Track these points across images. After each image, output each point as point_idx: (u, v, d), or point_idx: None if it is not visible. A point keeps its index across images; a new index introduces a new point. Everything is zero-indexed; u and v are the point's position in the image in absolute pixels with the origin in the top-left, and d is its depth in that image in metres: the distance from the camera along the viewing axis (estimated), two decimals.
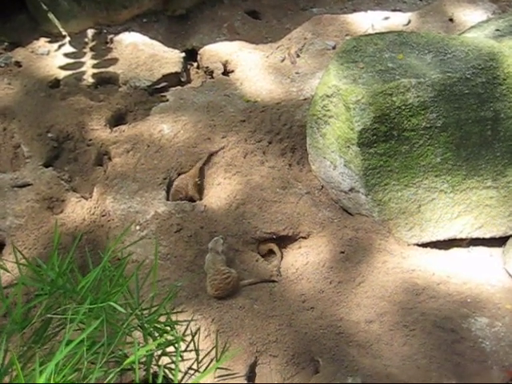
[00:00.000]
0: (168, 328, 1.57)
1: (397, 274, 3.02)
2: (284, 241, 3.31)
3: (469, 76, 3.05)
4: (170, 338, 1.54)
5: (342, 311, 2.93)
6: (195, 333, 1.69)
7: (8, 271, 1.94)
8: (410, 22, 4.39)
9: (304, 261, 3.20)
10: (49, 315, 1.37)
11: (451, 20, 4.46)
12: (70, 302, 1.49)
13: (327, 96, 3.09)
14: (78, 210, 3.38)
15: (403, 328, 2.82)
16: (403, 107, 2.97)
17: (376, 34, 3.40)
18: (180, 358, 1.48)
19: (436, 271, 3.07)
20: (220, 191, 3.41)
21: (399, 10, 4.54)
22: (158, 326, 1.53)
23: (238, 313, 2.92)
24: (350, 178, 3.19)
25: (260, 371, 2.80)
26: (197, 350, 1.66)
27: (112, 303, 1.41)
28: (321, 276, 3.10)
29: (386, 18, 4.41)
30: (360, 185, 3.15)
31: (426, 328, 2.81)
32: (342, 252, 3.17)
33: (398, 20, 4.43)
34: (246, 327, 2.86)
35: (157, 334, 1.54)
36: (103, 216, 3.35)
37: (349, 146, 3.08)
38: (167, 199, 3.40)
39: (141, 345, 1.50)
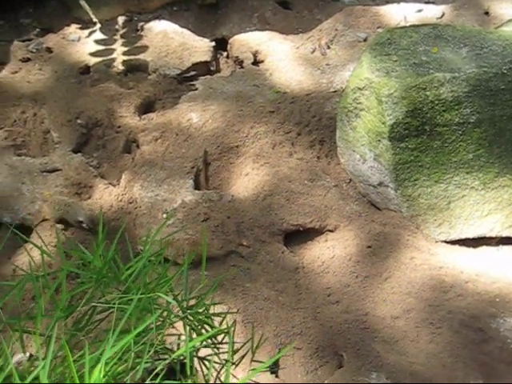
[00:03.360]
0: (209, 320, 1.56)
1: (424, 270, 2.99)
2: (310, 233, 3.30)
3: (505, 71, 2.98)
4: (210, 329, 1.54)
5: (367, 306, 2.91)
6: (232, 324, 1.69)
7: (51, 256, 1.94)
8: (443, 14, 4.32)
9: (330, 254, 3.18)
10: (94, 303, 1.37)
11: (487, 13, 4.37)
12: (114, 291, 1.49)
13: (359, 89, 3.06)
14: (105, 196, 3.40)
15: (429, 325, 2.80)
16: (436, 102, 2.92)
17: (410, 26, 3.35)
18: (216, 350, 1.48)
19: (464, 269, 3.03)
20: (248, 182, 3.40)
21: (433, 3, 4.46)
22: (201, 317, 1.52)
23: (263, 304, 2.92)
24: (379, 172, 3.16)
25: (283, 363, 2.80)
26: (233, 343, 1.65)
27: (162, 295, 1.41)
28: (347, 270, 3.08)
29: (419, 11, 4.33)
30: (389, 179, 3.11)
31: (452, 326, 2.78)
32: (369, 246, 3.14)
33: (431, 13, 4.35)
34: (271, 319, 2.86)
35: (199, 326, 1.53)
36: (130, 203, 3.36)
37: (379, 140, 3.04)
38: (194, 188, 3.40)
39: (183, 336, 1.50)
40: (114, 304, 1.45)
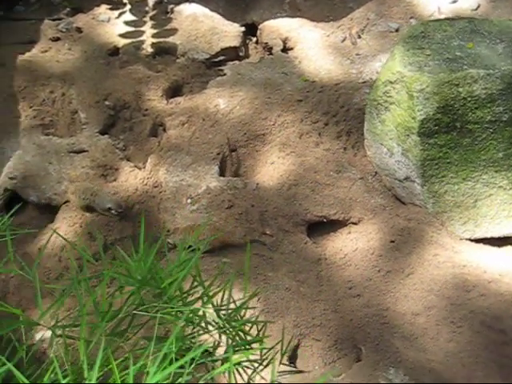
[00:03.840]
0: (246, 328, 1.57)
1: (447, 268, 2.97)
2: (334, 225, 3.29)
3: None
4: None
5: (388, 301, 2.90)
6: (263, 327, 1.70)
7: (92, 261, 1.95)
8: (479, 6, 4.22)
9: (353, 247, 3.17)
10: (135, 311, 1.39)
11: None
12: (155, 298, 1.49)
13: (390, 82, 3.02)
14: (131, 179, 3.42)
15: (450, 324, 2.78)
16: (469, 99, 2.87)
17: (445, 19, 3.29)
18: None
19: (488, 268, 3.00)
20: (273, 170, 3.40)
21: None
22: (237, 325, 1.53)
23: (284, 294, 2.92)
24: (406, 166, 3.13)
25: (302, 354, 2.81)
26: (263, 343, 1.66)
27: (206, 309, 1.41)
28: (369, 264, 3.07)
29: (454, 2, 4.24)
30: (416, 175, 3.09)
31: (473, 326, 2.76)
32: (393, 241, 3.12)
33: (466, 4, 4.26)
34: (292, 309, 2.87)
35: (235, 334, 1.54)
36: (155, 187, 3.38)
37: (408, 135, 3.01)
38: (220, 174, 3.40)
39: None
40: (156, 312, 1.46)
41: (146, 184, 3.38)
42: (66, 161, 3.51)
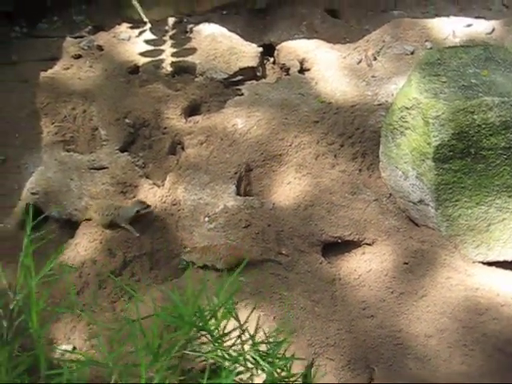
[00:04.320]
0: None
1: (460, 291, 3.02)
2: (348, 245, 3.35)
3: None
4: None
5: (402, 323, 2.95)
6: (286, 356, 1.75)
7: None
8: (493, 30, 4.28)
9: (367, 268, 3.23)
10: (185, 351, 1.45)
11: None
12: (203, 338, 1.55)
13: (406, 108, 3.09)
14: (150, 196, 3.50)
15: (462, 347, 2.83)
16: (483, 126, 2.94)
17: (461, 46, 3.36)
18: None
19: (501, 292, 3.05)
20: (289, 191, 3.47)
21: (483, 18, 4.43)
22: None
23: (299, 313, 2.98)
24: (420, 190, 3.19)
25: (316, 373, 2.86)
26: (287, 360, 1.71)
27: (258, 358, 1.47)
28: (383, 285, 3.13)
29: (469, 25, 4.31)
30: (430, 198, 3.15)
31: (486, 349, 2.81)
32: (406, 263, 3.18)
33: (481, 28, 4.33)
34: (306, 328, 2.92)
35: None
36: (174, 205, 3.45)
37: (423, 160, 3.07)
38: (237, 194, 3.47)
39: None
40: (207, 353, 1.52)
41: (164, 202, 3.46)
42: (86, 177, 3.59)
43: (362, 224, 3.34)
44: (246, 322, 1.63)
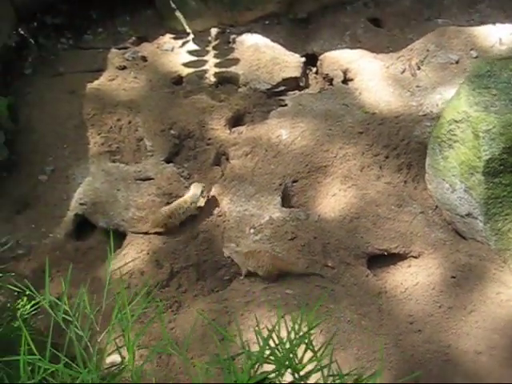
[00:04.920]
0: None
1: (510, 307, 2.98)
2: (393, 258, 3.33)
3: None
4: None
5: (450, 338, 2.92)
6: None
7: None
8: None
9: (413, 281, 3.21)
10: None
11: None
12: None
13: (455, 121, 3.06)
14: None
15: None
16: None
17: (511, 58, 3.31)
18: None
19: None
20: (334, 202, 3.47)
21: None
22: None
23: (346, 327, 2.98)
24: (468, 203, 3.16)
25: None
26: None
27: None
28: (430, 299, 3.10)
29: None
30: (479, 212, 3.11)
31: None
32: (454, 277, 3.15)
33: None
34: (353, 342, 2.92)
35: None
36: (219, 216, 3.49)
37: (472, 173, 3.04)
38: (282, 205, 3.49)
39: None
40: None
41: (210, 213, 3.49)
42: (133, 188, 3.65)
43: (408, 237, 3.32)
44: (321, 352, 1.62)
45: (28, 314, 2.34)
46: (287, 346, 1.53)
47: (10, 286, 2.58)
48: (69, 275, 2.74)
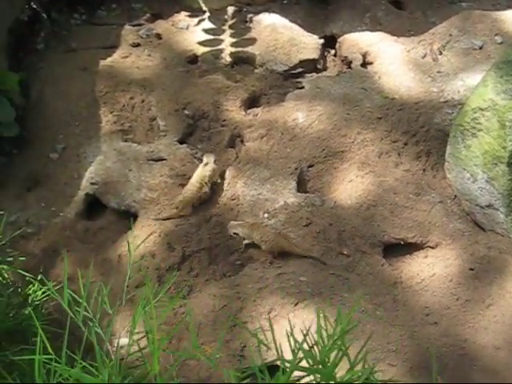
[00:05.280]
0: None
1: None
2: (410, 248, 3.26)
3: None
4: None
5: (467, 332, 2.86)
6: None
7: None
8: None
9: (430, 272, 3.13)
10: None
11: None
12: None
13: (480, 109, 2.96)
14: (208, 190, 3.46)
15: None
16: None
17: None
18: None
19: None
20: (351, 189, 3.38)
21: None
22: None
23: (360, 317, 2.91)
24: (490, 194, 3.07)
25: (376, 379, 2.80)
26: None
27: None
28: (447, 291, 3.03)
29: None
30: (501, 203, 3.03)
31: None
32: (472, 269, 3.07)
33: None
34: (367, 332, 2.85)
35: None
36: (233, 200, 3.41)
37: (496, 164, 2.95)
38: (297, 190, 3.41)
39: None
40: None
41: (224, 196, 3.42)
42: (145, 168, 3.57)
43: (425, 226, 3.24)
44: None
45: (39, 300, 2.27)
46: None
47: (22, 272, 2.50)
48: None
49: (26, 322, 1.97)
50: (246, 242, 3.21)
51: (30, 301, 2.16)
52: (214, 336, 2.85)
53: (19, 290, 2.24)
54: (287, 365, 1.51)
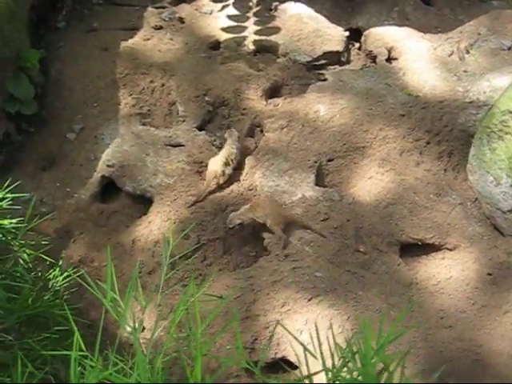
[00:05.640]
0: None
1: None
2: (426, 248, 3.21)
3: None
4: None
5: (483, 338, 2.81)
6: None
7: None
8: None
9: (447, 274, 3.09)
10: None
11: None
12: None
13: (510, 112, 2.90)
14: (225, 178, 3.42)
15: None
16: None
17: None
18: None
19: None
20: (370, 186, 3.33)
21: None
22: None
23: (374, 316, 2.87)
24: None
25: (386, 379, 2.77)
26: None
27: None
28: (463, 295, 2.99)
29: None
30: None
31: None
32: (490, 274, 3.03)
33: None
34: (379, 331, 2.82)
35: None
36: (250, 190, 3.37)
37: None
38: (316, 184, 3.36)
39: None
40: None
41: (241, 186, 3.38)
42: (162, 153, 3.53)
43: (444, 228, 3.19)
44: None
45: (60, 285, 2.24)
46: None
47: (46, 257, 2.46)
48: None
49: (47, 308, 1.93)
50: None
51: (50, 286, 2.13)
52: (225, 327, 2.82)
53: (40, 274, 2.21)
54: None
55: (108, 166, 3.47)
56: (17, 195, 2.47)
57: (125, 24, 4.20)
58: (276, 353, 2.77)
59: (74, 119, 3.69)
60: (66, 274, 2.36)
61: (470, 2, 4.24)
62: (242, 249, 3.25)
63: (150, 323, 2.96)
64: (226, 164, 3.36)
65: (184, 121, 3.70)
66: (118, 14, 4.28)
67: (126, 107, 3.74)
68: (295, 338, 1.64)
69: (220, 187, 3.37)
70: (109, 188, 3.50)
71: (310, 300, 2.86)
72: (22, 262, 2.21)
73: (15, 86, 3.53)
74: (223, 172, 3.35)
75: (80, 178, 3.48)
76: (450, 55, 3.91)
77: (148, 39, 4.09)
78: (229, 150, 3.40)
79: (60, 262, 2.48)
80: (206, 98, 3.75)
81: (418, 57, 3.90)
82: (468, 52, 3.91)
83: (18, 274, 2.01)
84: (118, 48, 3.98)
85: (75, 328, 1.51)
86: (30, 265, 2.23)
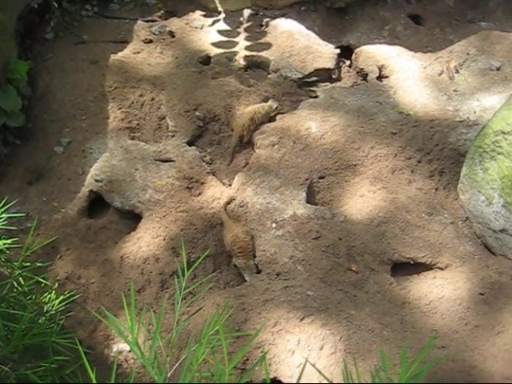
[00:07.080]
0: None
1: None
2: (418, 267, 3.19)
3: None
4: None
5: (476, 359, 2.79)
6: None
7: None
8: None
9: (439, 294, 3.07)
10: None
11: None
12: None
13: (503, 132, 2.91)
14: (216, 195, 3.38)
15: None
16: None
17: None
18: None
19: None
20: (362, 204, 3.31)
21: None
22: None
23: (367, 336, 2.84)
24: (505, 219, 3.02)
25: None
26: None
27: None
28: (456, 315, 2.97)
29: None
30: None
31: None
32: (482, 294, 3.01)
33: None
34: (374, 352, 2.78)
35: None
36: (241, 207, 3.33)
37: None
38: (307, 201, 3.33)
39: None
40: None
41: (232, 203, 3.34)
42: (152, 168, 3.48)
43: (436, 247, 3.17)
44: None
45: (56, 310, 2.16)
46: None
47: (40, 279, 2.38)
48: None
49: (45, 335, 1.85)
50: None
51: (45, 310, 2.05)
52: (216, 347, 2.76)
53: (34, 297, 2.13)
54: None
55: (96, 180, 3.41)
56: (13, 215, 2.40)
57: (115, 37, 4.17)
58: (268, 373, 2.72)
59: (62, 132, 3.63)
60: (61, 298, 2.28)
61: (459, 22, 4.27)
62: (232, 267, 3.20)
63: (140, 342, 2.91)
64: (252, 120, 3.57)
65: (174, 136, 3.66)
66: (108, 27, 4.25)
67: (115, 121, 3.69)
68: None
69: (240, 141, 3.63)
70: (97, 203, 3.43)
71: (302, 319, 2.81)
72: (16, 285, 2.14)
73: (2, 97, 3.45)
74: (249, 126, 3.57)
75: (67, 192, 3.42)
76: (439, 74, 3.93)
77: (138, 52, 4.06)
78: (258, 108, 3.64)
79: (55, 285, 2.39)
80: (197, 113, 3.72)
81: (409, 75, 3.92)
82: (458, 71, 3.93)
83: (15, 300, 1.93)
84: (108, 61, 3.94)
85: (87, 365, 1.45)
86: (26, 289, 2.15)
